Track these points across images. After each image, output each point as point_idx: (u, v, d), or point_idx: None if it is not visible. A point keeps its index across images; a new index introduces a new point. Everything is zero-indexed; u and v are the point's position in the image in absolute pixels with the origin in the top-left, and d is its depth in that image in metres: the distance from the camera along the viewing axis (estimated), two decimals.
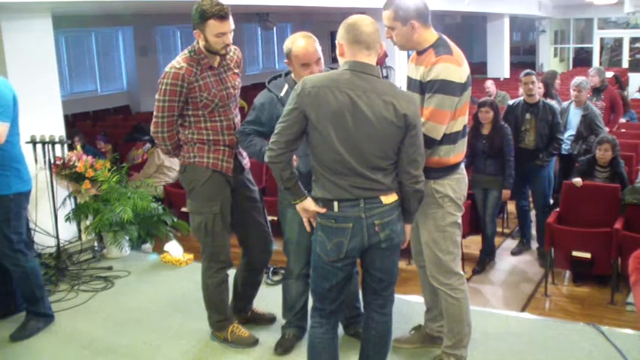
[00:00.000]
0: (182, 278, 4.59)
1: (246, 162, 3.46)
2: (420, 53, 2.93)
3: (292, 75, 3.19)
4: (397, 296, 2.90)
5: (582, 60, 20.78)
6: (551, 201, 6.06)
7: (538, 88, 5.93)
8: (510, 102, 6.24)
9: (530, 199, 6.16)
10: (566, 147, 6.21)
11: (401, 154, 2.59)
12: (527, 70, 5.99)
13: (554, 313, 4.82)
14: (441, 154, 2.92)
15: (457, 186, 3.01)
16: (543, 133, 5.71)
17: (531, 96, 5.75)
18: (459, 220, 3.05)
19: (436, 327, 3.37)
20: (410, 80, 3.01)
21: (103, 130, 9.26)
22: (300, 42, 3.05)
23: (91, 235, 5.09)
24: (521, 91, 6.72)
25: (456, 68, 2.81)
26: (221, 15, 3.08)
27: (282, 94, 3.12)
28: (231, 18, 3.14)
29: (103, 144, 7.62)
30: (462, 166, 3.08)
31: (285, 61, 3.13)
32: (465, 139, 3.04)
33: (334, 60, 3.07)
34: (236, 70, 3.41)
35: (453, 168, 2.98)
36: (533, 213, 6.23)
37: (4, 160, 3.45)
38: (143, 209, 4.98)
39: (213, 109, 3.26)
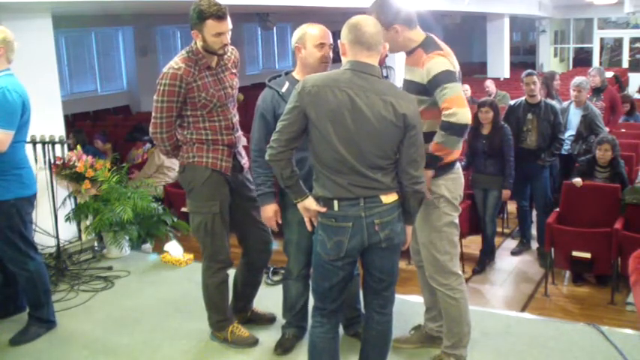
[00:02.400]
0: (182, 278, 4.60)
1: (245, 162, 3.46)
2: (408, 54, 2.95)
3: (294, 73, 3.20)
4: (397, 296, 2.89)
5: (582, 60, 20.78)
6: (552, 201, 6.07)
7: (540, 89, 5.93)
8: (512, 102, 6.23)
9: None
10: (566, 147, 6.21)
11: (401, 154, 2.59)
12: (529, 71, 5.99)
13: (554, 313, 4.82)
14: None
15: (453, 186, 3.01)
16: (545, 133, 5.71)
17: (533, 96, 5.76)
18: (456, 220, 3.05)
19: (436, 327, 3.37)
20: (405, 82, 3.02)
21: (102, 129, 9.24)
22: (313, 26, 3.10)
23: (91, 235, 5.09)
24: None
25: (447, 60, 2.83)
26: (219, 15, 3.09)
27: (283, 90, 3.13)
28: (229, 18, 3.14)
29: (101, 143, 7.60)
30: (458, 165, 3.08)
31: (297, 45, 3.10)
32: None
33: (334, 60, 3.08)
34: (233, 70, 3.41)
35: (447, 167, 2.98)
36: (533, 213, 6.24)
37: (5, 165, 3.42)
38: (143, 209, 4.98)
39: (212, 109, 3.26)
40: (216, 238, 3.35)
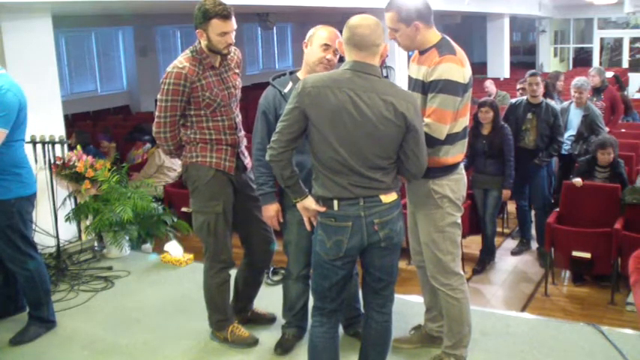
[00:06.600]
0: (182, 278, 4.60)
1: (247, 161, 3.47)
2: (422, 53, 2.94)
3: (298, 73, 3.20)
4: (397, 296, 2.90)
5: (582, 60, 20.78)
6: (552, 201, 6.07)
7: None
8: (512, 100, 6.23)
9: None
10: (566, 147, 6.22)
11: (404, 152, 2.60)
12: (533, 71, 6.00)
13: (554, 313, 4.82)
14: (440, 155, 2.92)
15: (456, 186, 3.01)
16: (544, 134, 5.71)
17: (535, 97, 5.76)
18: (459, 221, 3.05)
19: (436, 327, 3.37)
20: (411, 80, 3.02)
21: (104, 127, 9.19)
22: (324, 28, 3.12)
23: (91, 235, 5.08)
24: (518, 92, 6.74)
25: (459, 68, 2.81)
26: (224, 14, 3.10)
27: (285, 90, 3.14)
28: (233, 18, 3.15)
29: (106, 142, 7.59)
30: (461, 166, 3.08)
31: (305, 42, 3.12)
32: (465, 141, 3.04)
33: (339, 60, 3.09)
34: (236, 70, 3.42)
35: (451, 168, 2.99)
36: (533, 213, 6.24)
37: (4, 164, 3.42)
38: (143, 209, 4.98)
39: (215, 108, 3.27)
40: (218, 238, 3.35)
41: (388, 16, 2.85)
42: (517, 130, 5.74)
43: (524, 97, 5.91)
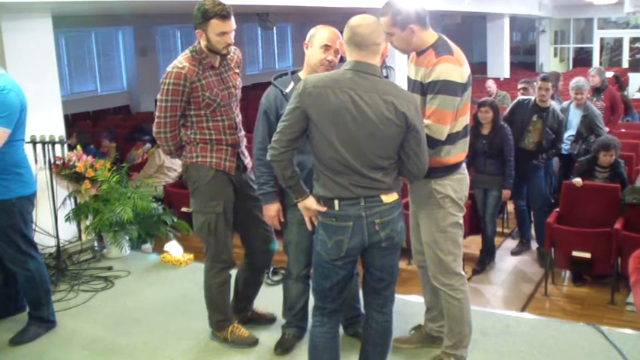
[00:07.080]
0: (182, 278, 4.60)
1: (248, 161, 3.47)
2: (419, 54, 2.94)
3: (300, 72, 3.20)
4: (397, 296, 2.90)
5: (582, 60, 20.79)
6: (552, 201, 6.06)
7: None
8: (522, 97, 6.18)
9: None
10: (566, 147, 6.21)
11: (405, 152, 2.60)
12: (544, 75, 5.98)
13: (554, 313, 4.82)
14: (441, 155, 2.92)
15: (458, 186, 3.01)
16: (547, 138, 5.70)
17: (544, 101, 5.75)
18: (461, 221, 3.05)
19: (436, 327, 3.37)
20: (410, 81, 3.02)
21: (107, 127, 9.18)
22: (325, 28, 3.11)
23: (91, 235, 5.08)
24: (519, 92, 6.73)
25: (456, 68, 2.81)
26: (223, 14, 3.10)
27: (287, 90, 3.13)
28: (232, 18, 3.15)
29: (107, 142, 7.58)
30: (464, 165, 3.08)
31: (305, 43, 3.12)
32: (467, 139, 3.03)
33: (340, 60, 3.09)
34: (236, 70, 3.42)
35: (453, 168, 2.98)
36: (532, 213, 6.24)
37: (5, 164, 3.43)
38: (143, 209, 4.98)
39: (215, 108, 3.27)
40: (219, 238, 3.36)
41: (383, 21, 2.84)
42: (520, 129, 5.72)
43: (532, 98, 5.89)
